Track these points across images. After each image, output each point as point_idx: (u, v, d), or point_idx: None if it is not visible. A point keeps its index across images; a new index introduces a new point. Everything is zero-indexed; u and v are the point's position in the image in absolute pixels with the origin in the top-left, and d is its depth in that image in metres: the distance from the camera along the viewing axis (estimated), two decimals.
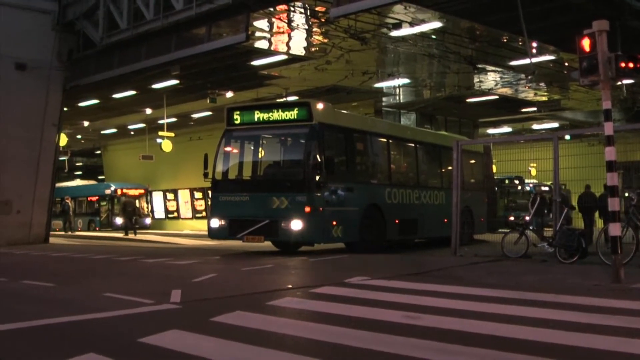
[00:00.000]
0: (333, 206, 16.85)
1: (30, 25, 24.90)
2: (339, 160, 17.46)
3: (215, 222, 17.65)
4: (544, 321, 7.13)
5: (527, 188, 35.45)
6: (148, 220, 46.89)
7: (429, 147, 22.43)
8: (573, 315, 7.50)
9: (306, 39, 24.63)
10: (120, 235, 34.56)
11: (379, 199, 18.75)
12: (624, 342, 6.14)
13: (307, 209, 16.20)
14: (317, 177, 16.32)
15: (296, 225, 16.24)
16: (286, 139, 18.55)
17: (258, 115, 17.91)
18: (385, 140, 20.18)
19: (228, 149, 18.36)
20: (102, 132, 47.78)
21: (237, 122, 18.15)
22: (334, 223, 16.82)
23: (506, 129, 46.68)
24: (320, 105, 17.23)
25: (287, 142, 18.65)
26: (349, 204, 17.43)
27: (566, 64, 26.33)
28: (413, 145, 21.68)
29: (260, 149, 18.78)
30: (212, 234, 18.00)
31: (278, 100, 28.01)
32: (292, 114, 17.37)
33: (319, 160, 16.36)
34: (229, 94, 31.39)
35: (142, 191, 46.94)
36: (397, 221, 19.32)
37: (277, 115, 17.55)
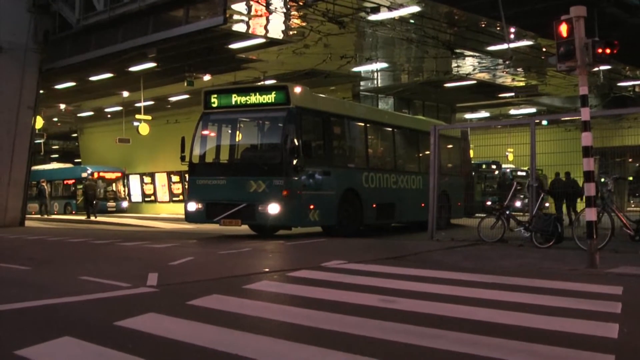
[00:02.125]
0: (310, 190, 16.86)
1: (6, 7, 24.57)
2: (316, 144, 17.48)
3: (192, 206, 17.60)
4: (521, 305, 7.17)
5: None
6: (125, 204, 46.82)
7: (407, 132, 22.46)
8: (549, 299, 7.55)
9: (284, 22, 24.55)
10: (93, 217, 34.57)
11: (357, 183, 18.77)
12: (599, 326, 6.18)
13: (285, 193, 16.20)
14: (295, 161, 16.30)
15: (273, 208, 16.23)
16: (264, 122, 18.50)
17: (235, 99, 17.86)
18: (362, 124, 20.18)
19: (205, 132, 18.31)
20: (79, 114, 47.51)
21: (215, 105, 18.08)
22: (311, 207, 16.84)
23: (484, 114, 46.89)
24: (297, 89, 17.19)
25: (265, 125, 18.60)
26: (326, 188, 17.45)
27: (544, 49, 26.44)
28: (391, 129, 21.70)
29: (237, 133, 18.70)
30: (189, 217, 17.94)
31: (256, 84, 27.95)
32: (270, 98, 17.32)
33: (297, 143, 16.33)
34: (207, 77, 31.29)
35: (119, 174, 46.86)
36: (374, 205, 19.37)
37: (254, 98, 17.50)
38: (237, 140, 18.61)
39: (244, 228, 18.35)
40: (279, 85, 20.59)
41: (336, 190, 17.78)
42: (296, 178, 16.46)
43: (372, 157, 20.59)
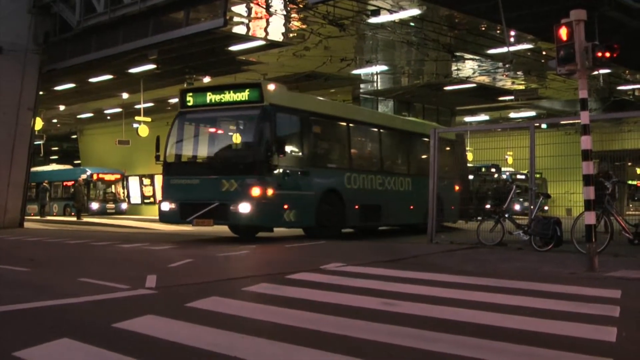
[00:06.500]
0: (285, 190, 16.55)
1: (6, 8, 24.58)
2: (292, 143, 17.34)
3: (166, 206, 17.37)
4: (520, 308, 7.16)
5: (504, 176, 35.76)
6: (124, 205, 46.80)
7: (395, 133, 22.30)
8: (548, 302, 7.54)
9: (284, 24, 24.59)
10: (95, 220, 34.69)
11: (338, 183, 18.54)
12: (597, 330, 6.17)
13: (256, 192, 15.92)
14: (268, 160, 16.05)
15: (244, 208, 15.94)
16: (237, 120, 18.42)
17: (210, 97, 17.70)
18: (344, 124, 19.89)
19: (180, 131, 18.16)
20: (79, 116, 47.54)
21: (190, 104, 17.93)
22: (286, 207, 16.57)
23: (483, 117, 46.90)
24: (271, 86, 17.04)
25: (239, 124, 18.52)
26: (303, 188, 17.22)
27: (544, 52, 26.47)
28: (376, 130, 21.47)
29: (212, 131, 18.66)
30: (163, 217, 17.75)
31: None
32: (244, 95, 17.07)
33: (270, 142, 16.10)
34: (207, 79, 31.32)
35: (118, 176, 46.80)
36: (357, 207, 19.08)
37: (228, 96, 17.31)
38: (211, 139, 18.58)
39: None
40: (252, 82, 20.19)
41: (315, 191, 17.56)
42: (269, 177, 16.14)
43: (356, 158, 20.24)
